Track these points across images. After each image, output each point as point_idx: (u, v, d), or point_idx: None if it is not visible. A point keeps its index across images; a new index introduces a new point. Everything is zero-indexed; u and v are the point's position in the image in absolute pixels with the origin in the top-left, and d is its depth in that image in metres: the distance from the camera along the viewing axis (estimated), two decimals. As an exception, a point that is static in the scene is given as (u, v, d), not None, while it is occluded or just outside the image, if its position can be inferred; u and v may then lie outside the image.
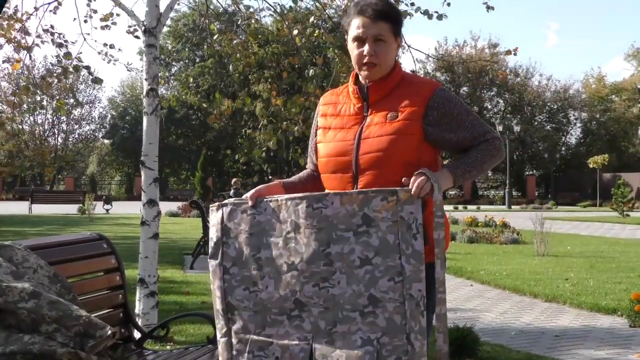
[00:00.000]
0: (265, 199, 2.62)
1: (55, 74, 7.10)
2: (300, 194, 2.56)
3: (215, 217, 2.69)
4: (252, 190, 2.69)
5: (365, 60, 2.69)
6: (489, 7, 7.27)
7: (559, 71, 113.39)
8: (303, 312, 2.49)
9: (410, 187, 2.44)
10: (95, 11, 6.77)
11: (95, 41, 6.87)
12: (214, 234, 2.68)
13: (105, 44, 7.06)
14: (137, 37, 6.79)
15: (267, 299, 2.54)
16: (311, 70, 7.02)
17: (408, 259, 2.38)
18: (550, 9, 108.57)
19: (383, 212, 2.41)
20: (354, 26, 2.70)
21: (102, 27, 6.81)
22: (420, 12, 7.02)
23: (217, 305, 2.66)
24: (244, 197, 2.69)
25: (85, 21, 6.73)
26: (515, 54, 7.45)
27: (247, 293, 2.58)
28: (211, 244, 2.68)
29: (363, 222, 2.43)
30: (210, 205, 2.76)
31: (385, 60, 2.70)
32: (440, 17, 7.12)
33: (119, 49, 7.20)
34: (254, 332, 2.58)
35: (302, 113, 7.19)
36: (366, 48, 2.67)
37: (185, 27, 58.83)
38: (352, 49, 2.74)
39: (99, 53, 7.05)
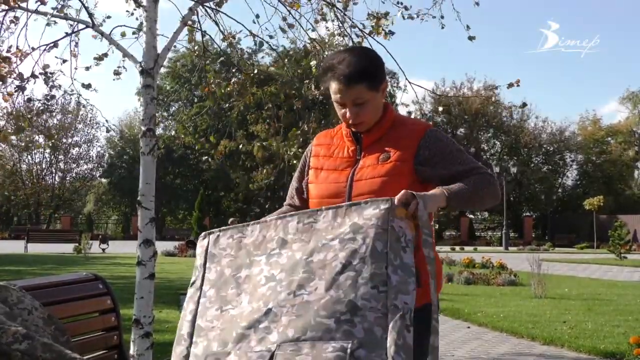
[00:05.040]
0: (252, 222, 2.56)
1: (35, 109, 7.05)
2: (291, 213, 2.49)
3: (200, 245, 2.63)
4: None
5: (349, 122, 2.72)
6: (470, 38, 7.44)
7: (554, 114, 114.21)
8: (272, 323, 2.22)
9: (397, 199, 2.30)
10: (76, 45, 6.71)
11: (75, 79, 6.63)
12: (198, 261, 2.60)
13: (82, 84, 6.91)
14: (118, 73, 6.82)
15: (238, 314, 2.34)
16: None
17: (396, 269, 2.18)
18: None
19: (373, 219, 2.27)
20: (332, 89, 2.70)
21: (86, 68, 6.77)
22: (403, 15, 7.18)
23: (183, 329, 2.48)
24: None
25: (74, 56, 6.65)
26: (518, 86, 7.43)
27: (218, 313, 2.40)
28: (194, 272, 2.59)
29: (351, 229, 2.29)
30: (200, 235, 2.69)
31: (370, 117, 2.71)
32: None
33: (95, 89, 7.02)
34: (215, 350, 2.33)
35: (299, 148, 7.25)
36: (347, 112, 2.69)
37: (183, 67, 59.31)
38: (336, 108, 2.75)
39: (70, 92, 6.85)
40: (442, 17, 7.29)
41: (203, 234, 2.67)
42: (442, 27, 7.33)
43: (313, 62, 7.42)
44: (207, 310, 2.44)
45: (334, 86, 2.67)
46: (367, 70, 2.65)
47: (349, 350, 2.08)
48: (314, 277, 2.24)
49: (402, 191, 2.34)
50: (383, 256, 2.21)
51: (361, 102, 2.66)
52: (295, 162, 7.35)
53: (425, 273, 2.35)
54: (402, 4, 7.21)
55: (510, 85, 7.54)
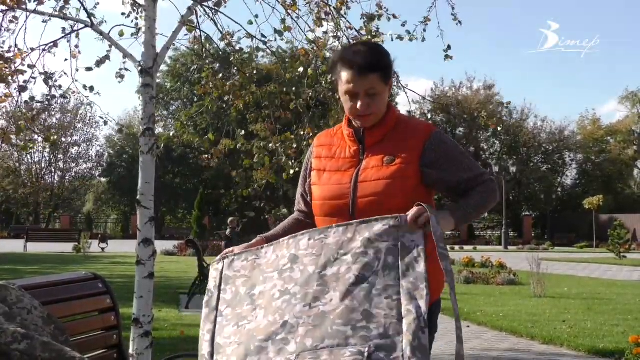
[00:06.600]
0: (266, 245, 2.59)
1: (36, 109, 7.04)
2: (302, 232, 2.52)
3: (215, 269, 2.65)
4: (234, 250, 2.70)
5: (359, 114, 2.68)
6: (447, 57, 7.51)
7: (553, 115, 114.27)
8: (289, 334, 2.28)
9: (409, 217, 2.36)
10: (77, 46, 6.68)
11: (76, 80, 6.57)
12: (212, 284, 2.62)
13: (84, 86, 6.87)
14: (122, 76, 6.80)
15: (254, 328, 2.38)
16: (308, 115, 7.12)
17: (408, 278, 2.24)
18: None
19: (384, 236, 2.33)
20: (344, 80, 2.66)
21: (87, 69, 6.73)
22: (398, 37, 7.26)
23: (204, 349, 2.51)
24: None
25: (73, 57, 6.60)
26: (507, 107, 7.64)
27: (235, 329, 2.44)
28: (208, 293, 2.61)
29: (362, 244, 2.34)
30: (212, 262, 2.72)
31: (379, 110, 2.69)
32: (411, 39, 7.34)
33: (97, 92, 6.96)
34: None
35: (297, 149, 7.24)
36: (359, 103, 2.65)
37: (184, 66, 59.26)
38: (345, 100, 2.71)
39: (73, 92, 6.78)
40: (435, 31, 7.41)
41: (218, 257, 2.69)
42: (423, 40, 7.43)
43: (300, 69, 7.42)
44: (224, 328, 2.48)
45: (346, 76, 2.64)
46: (381, 61, 2.65)
47: (366, 354, 2.14)
48: (329, 290, 2.30)
49: (414, 208, 2.37)
50: (395, 269, 2.27)
51: (374, 92, 2.63)
52: (285, 160, 7.35)
53: (435, 263, 2.36)
54: (388, 10, 7.28)
55: (501, 104, 7.68)
